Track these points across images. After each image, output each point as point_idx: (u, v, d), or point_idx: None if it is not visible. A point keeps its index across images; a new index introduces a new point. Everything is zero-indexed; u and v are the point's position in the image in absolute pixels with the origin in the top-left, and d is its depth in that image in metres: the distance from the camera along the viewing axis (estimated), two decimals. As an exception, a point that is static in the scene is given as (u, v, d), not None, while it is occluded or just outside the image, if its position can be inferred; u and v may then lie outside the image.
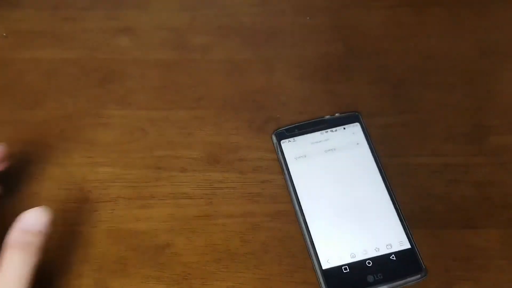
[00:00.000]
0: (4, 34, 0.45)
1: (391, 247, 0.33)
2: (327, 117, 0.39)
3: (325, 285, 0.32)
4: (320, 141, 0.38)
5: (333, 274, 0.33)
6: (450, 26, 0.44)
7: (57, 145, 0.39)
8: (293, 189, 0.36)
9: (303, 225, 0.35)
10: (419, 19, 0.45)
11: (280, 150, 0.38)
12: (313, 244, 0.34)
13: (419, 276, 0.32)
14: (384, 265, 0.33)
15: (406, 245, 0.33)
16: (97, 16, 0.46)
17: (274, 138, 0.38)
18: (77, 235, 0.35)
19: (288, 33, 0.44)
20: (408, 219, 0.35)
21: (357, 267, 0.33)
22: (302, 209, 0.35)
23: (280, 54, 0.43)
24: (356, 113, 0.39)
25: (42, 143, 0.39)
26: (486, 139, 0.39)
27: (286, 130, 0.38)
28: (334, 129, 0.38)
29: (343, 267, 0.33)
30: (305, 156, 0.37)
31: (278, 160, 0.38)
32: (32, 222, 0.31)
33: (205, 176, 0.37)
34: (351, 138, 0.37)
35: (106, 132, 0.40)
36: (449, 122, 0.39)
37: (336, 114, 0.39)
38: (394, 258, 0.33)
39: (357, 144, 0.37)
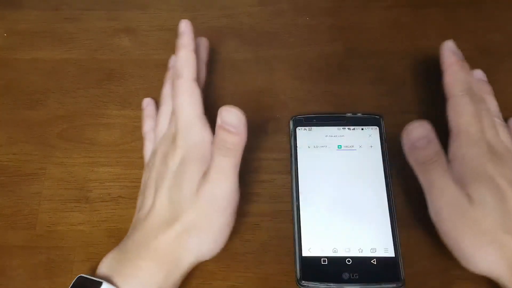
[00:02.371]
0: (5, 34, 0.45)
1: (375, 251, 0.33)
2: (349, 114, 0.39)
3: (300, 272, 0.33)
4: (335, 136, 0.38)
5: (311, 263, 0.33)
6: (449, 26, 0.44)
7: (57, 145, 0.39)
8: (295, 175, 0.36)
9: (295, 211, 0.35)
10: (418, 19, 0.45)
11: (294, 136, 0.38)
12: (300, 230, 0.34)
13: (394, 285, 0.32)
14: (362, 267, 0.33)
15: (391, 253, 0.33)
16: (97, 16, 0.46)
17: (291, 123, 0.39)
18: (77, 235, 0.36)
19: (288, 33, 0.44)
20: (407, 219, 0.35)
21: (336, 262, 0.33)
22: (298, 196, 0.35)
23: (280, 54, 0.43)
24: (378, 116, 0.39)
25: (42, 143, 0.39)
26: (486, 139, 0.39)
27: (305, 118, 0.39)
28: (352, 127, 0.38)
29: (322, 259, 0.33)
30: (316, 147, 0.37)
31: (289, 145, 0.38)
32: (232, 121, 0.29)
33: (205, 176, 0.37)
34: (366, 139, 0.37)
35: (106, 132, 0.40)
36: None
37: (358, 114, 0.39)
38: (375, 263, 0.33)
39: (371, 146, 0.37)
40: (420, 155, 0.30)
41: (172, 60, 0.39)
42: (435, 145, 0.30)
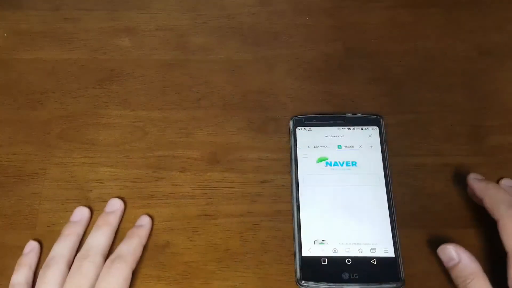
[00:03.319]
0: (5, 35, 0.45)
1: (374, 251, 0.33)
2: (348, 114, 0.39)
3: (300, 272, 0.33)
4: (335, 136, 0.38)
5: (311, 263, 0.33)
6: (449, 26, 0.44)
7: (57, 145, 0.39)
8: (295, 175, 0.36)
9: (295, 211, 0.35)
10: (417, 19, 0.45)
11: (294, 136, 0.38)
12: (300, 230, 0.34)
13: (394, 285, 0.32)
14: (362, 267, 0.33)
15: (390, 254, 0.33)
16: (97, 16, 0.46)
17: (291, 123, 0.39)
18: (77, 235, 0.36)
19: (288, 33, 0.44)
20: (407, 219, 0.35)
21: (336, 262, 0.33)
22: (298, 196, 0.35)
23: (280, 54, 0.43)
24: (378, 117, 0.39)
25: (42, 143, 0.39)
26: (486, 139, 0.39)
27: (304, 118, 0.39)
28: (352, 127, 0.38)
29: (322, 259, 0.33)
30: (316, 147, 0.37)
31: (289, 145, 0.38)
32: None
33: (205, 176, 0.38)
34: (366, 139, 0.38)
35: (106, 132, 0.40)
36: (449, 122, 0.40)
37: (358, 114, 0.39)
38: (375, 263, 0.33)
39: (371, 146, 0.37)
40: (454, 274, 0.31)
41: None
42: (468, 263, 0.31)
